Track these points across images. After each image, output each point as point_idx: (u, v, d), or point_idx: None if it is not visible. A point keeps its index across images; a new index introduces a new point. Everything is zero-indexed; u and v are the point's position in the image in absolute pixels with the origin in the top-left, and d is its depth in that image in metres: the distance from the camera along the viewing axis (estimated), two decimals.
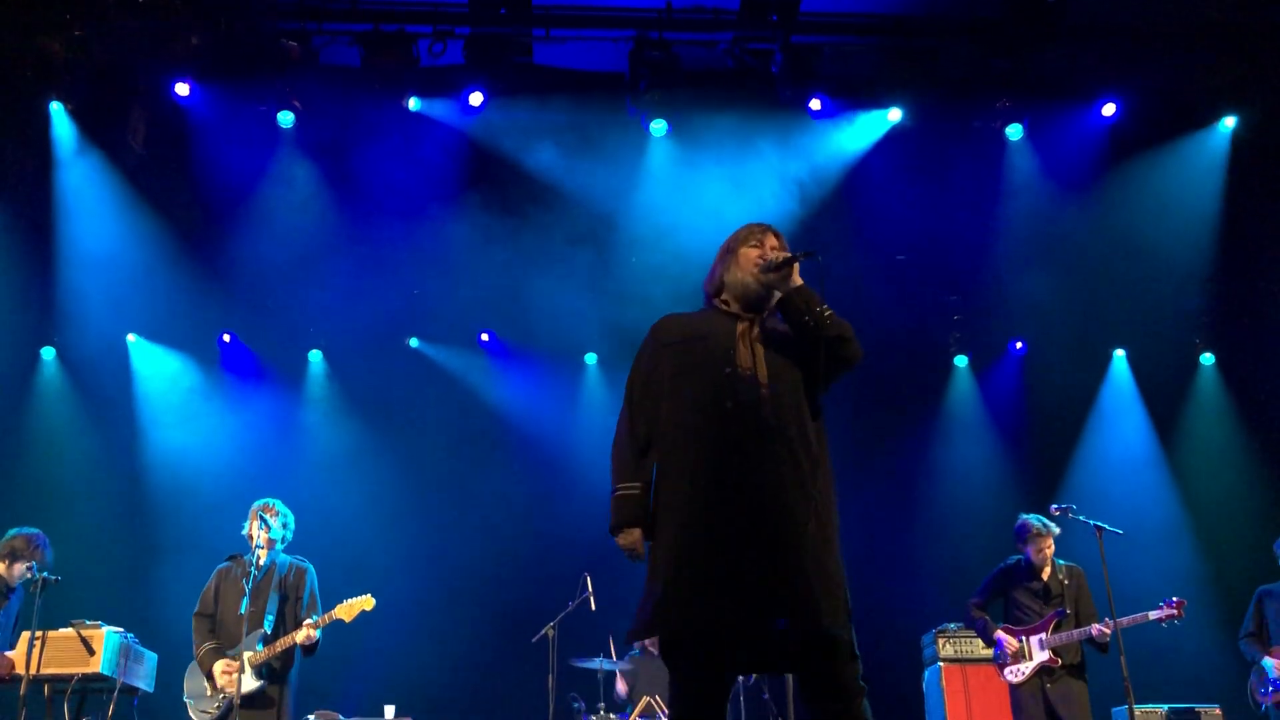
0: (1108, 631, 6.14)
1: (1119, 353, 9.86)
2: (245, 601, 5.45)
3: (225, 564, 5.89)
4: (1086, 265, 9.30)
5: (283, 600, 5.71)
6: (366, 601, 5.72)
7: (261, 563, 5.69)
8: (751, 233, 3.43)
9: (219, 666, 5.52)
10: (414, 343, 9.74)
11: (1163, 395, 9.74)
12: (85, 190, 8.66)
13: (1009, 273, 9.39)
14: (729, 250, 3.44)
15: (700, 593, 3.02)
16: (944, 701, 7.41)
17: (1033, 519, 6.47)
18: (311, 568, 5.91)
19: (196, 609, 5.77)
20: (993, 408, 9.90)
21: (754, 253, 3.37)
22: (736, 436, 3.14)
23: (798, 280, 3.29)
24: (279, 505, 5.85)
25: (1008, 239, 9.32)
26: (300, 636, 5.50)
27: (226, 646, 5.61)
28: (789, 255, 3.30)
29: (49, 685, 5.36)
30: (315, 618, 5.58)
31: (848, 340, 3.23)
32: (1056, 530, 6.43)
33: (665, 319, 3.50)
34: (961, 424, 9.89)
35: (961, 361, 10.04)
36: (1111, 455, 9.58)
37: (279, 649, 5.51)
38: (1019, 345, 9.92)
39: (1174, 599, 6.29)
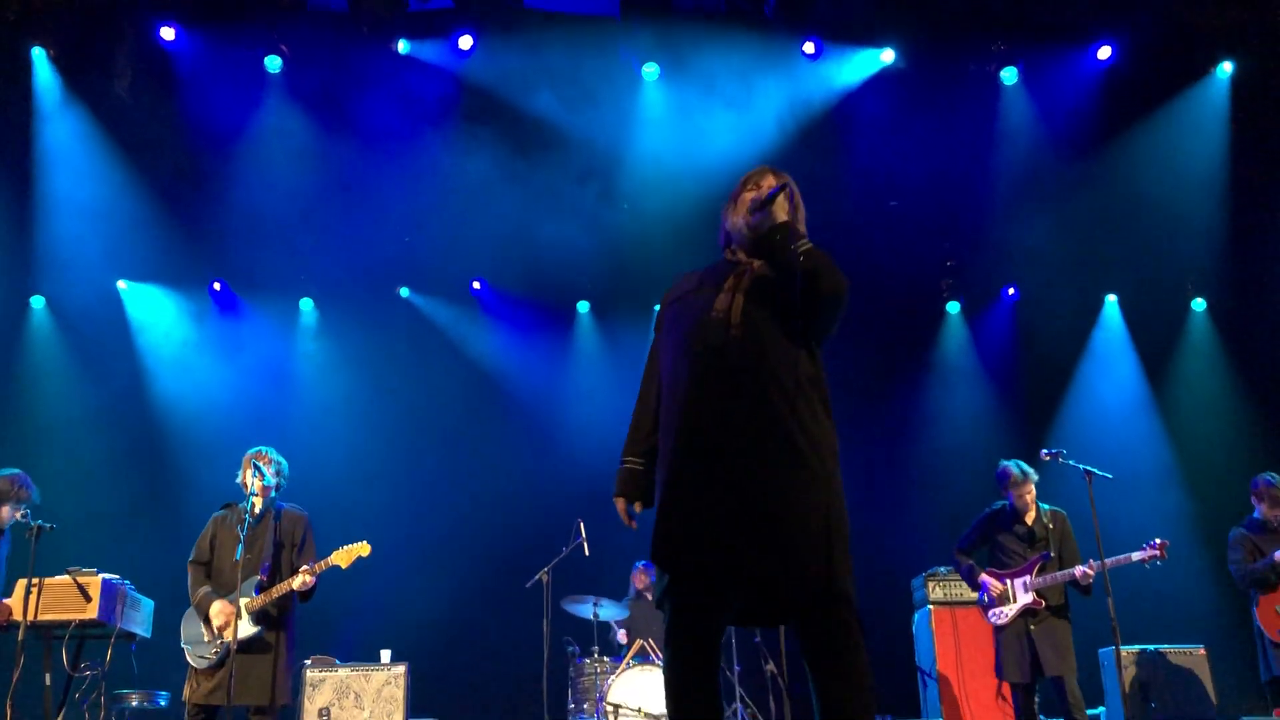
0: (1090, 573, 6.22)
1: (1111, 298, 9.88)
2: (240, 549, 5.46)
3: (221, 512, 5.88)
4: (1080, 211, 9.30)
5: (279, 547, 5.70)
6: (363, 548, 5.71)
7: (257, 510, 5.70)
8: (750, 177, 3.39)
9: (215, 608, 5.53)
10: (404, 292, 9.72)
11: (1154, 341, 9.78)
12: (70, 137, 8.57)
13: (1003, 218, 9.39)
14: (731, 199, 3.42)
15: (686, 546, 3.04)
16: (933, 643, 7.52)
17: (1012, 465, 6.53)
18: (307, 515, 5.91)
19: (192, 557, 5.76)
20: (984, 354, 9.95)
21: (750, 195, 3.34)
22: (704, 383, 3.12)
23: (780, 215, 3.24)
24: (272, 453, 5.83)
25: (1002, 184, 9.31)
26: (296, 583, 5.50)
27: (223, 594, 5.62)
28: (771, 189, 3.24)
29: (47, 631, 5.39)
30: (311, 564, 5.59)
31: (823, 275, 3.09)
32: (1035, 476, 6.49)
33: (679, 276, 3.50)
34: (953, 370, 9.94)
35: (954, 308, 10.06)
36: (1102, 400, 9.65)
37: (275, 595, 5.52)
38: (1011, 291, 9.94)
39: (1157, 540, 6.36)
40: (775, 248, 3.18)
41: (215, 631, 5.50)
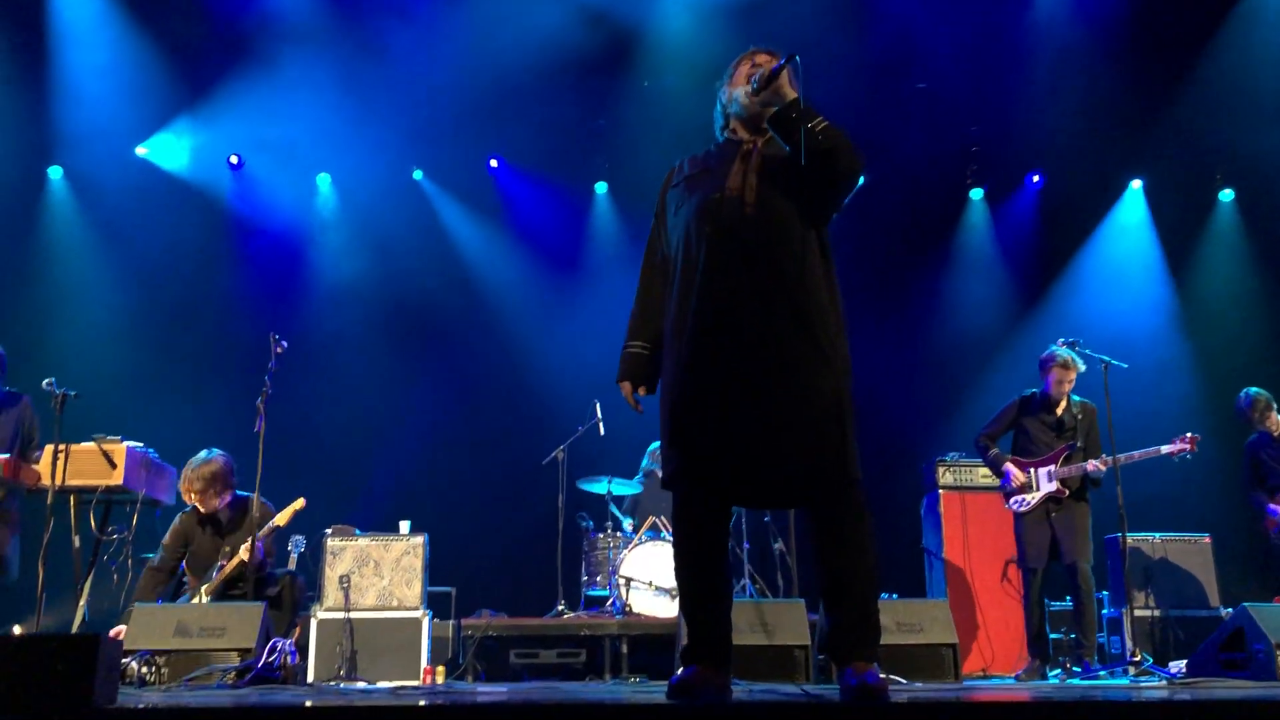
0: (1103, 468, 6.28)
1: (1135, 184, 9.70)
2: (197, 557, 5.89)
3: (182, 514, 6.10)
4: (1109, 96, 9.06)
5: (237, 534, 5.97)
6: (297, 503, 6.03)
7: (220, 517, 6.02)
8: (744, 56, 3.35)
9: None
10: (417, 175, 9.63)
11: (1179, 231, 9.64)
12: (85, 3, 8.42)
13: (1030, 103, 9.16)
14: (727, 78, 3.38)
15: (698, 428, 3.06)
16: (941, 526, 7.64)
17: (1062, 350, 6.48)
18: (268, 503, 6.08)
19: (153, 563, 6.00)
20: (1005, 241, 9.84)
21: (748, 71, 3.27)
22: (718, 264, 3.10)
23: (790, 92, 3.15)
24: (198, 473, 5.89)
25: (1031, 68, 9.05)
26: (244, 553, 5.75)
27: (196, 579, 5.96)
28: (775, 65, 3.15)
29: (74, 496, 5.53)
30: (257, 534, 5.80)
31: (840, 153, 3.06)
32: (1082, 366, 6.42)
33: (680, 161, 3.46)
34: (974, 257, 9.85)
35: (977, 194, 9.93)
36: (1123, 290, 9.55)
37: (227, 571, 5.80)
38: (1036, 178, 9.79)
39: (1187, 435, 6.37)
40: (790, 125, 3.10)
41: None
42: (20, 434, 5.83)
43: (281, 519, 5.97)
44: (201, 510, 5.98)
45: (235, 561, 5.81)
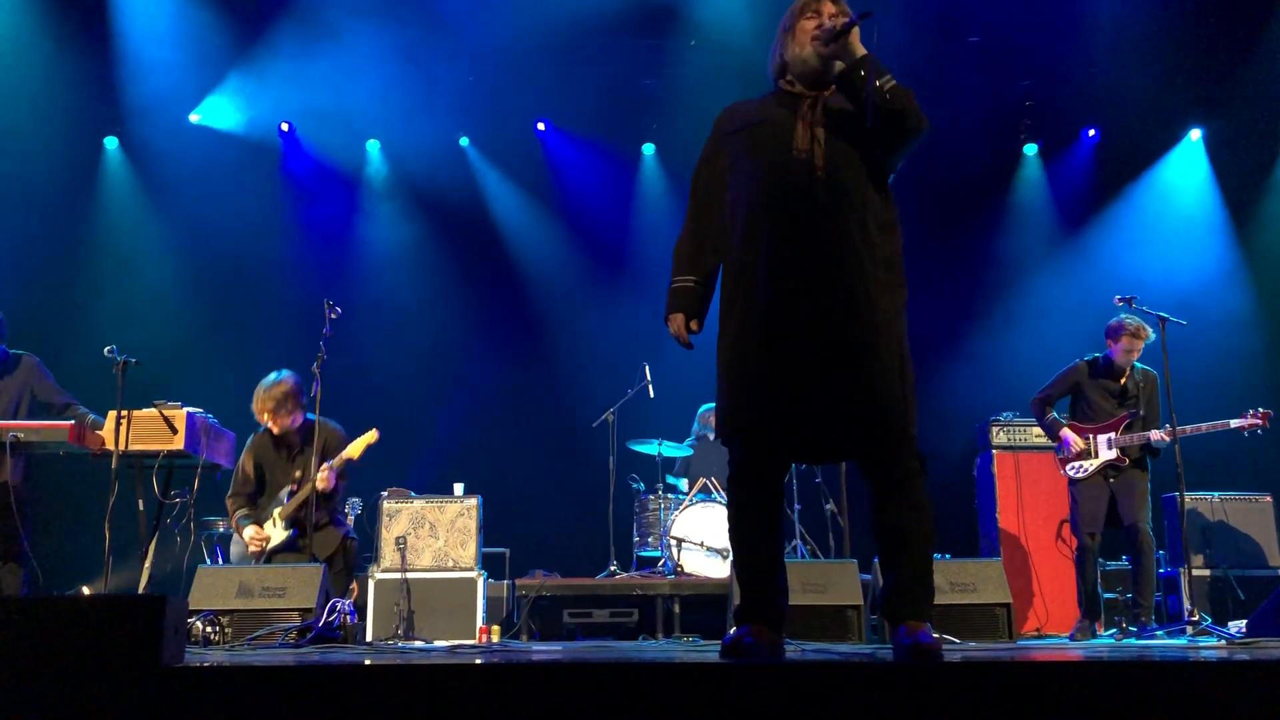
0: (1165, 439, 6.16)
1: (1195, 135, 9.44)
2: (272, 477, 5.98)
3: (256, 435, 6.20)
4: (1167, 47, 8.80)
5: (309, 457, 6.00)
6: (370, 436, 6.04)
7: (292, 440, 6.12)
8: (807, 3, 3.23)
9: (248, 534, 5.99)
10: (464, 142, 9.64)
11: (1240, 185, 9.39)
12: None
13: (1087, 56, 8.93)
14: (786, 28, 3.26)
15: (759, 387, 3.04)
16: (995, 487, 7.58)
17: (1133, 317, 6.34)
18: (339, 429, 6.16)
19: (229, 491, 6.16)
20: (1060, 197, 9.65)
21: (811, 24, 3.18)
22: (790, 223, 3.06)
23: (859, 49, 3.09)
24: (270, 392, 5.99)
25: (1088, 20, 8.82)
26: (319, 483, 5.83)
27: (261, 514, 6.09)
28: (847, 20, 3.09)
29: (137, 461, 5.65)
30: (329, 463, 5.87)
31: (910, 113, 3.03)
32: (1153, 335, 6.25)
33: (729, 108, 3.40)
34: (1028, 213, 9.68)
35: (1031, 150, 9.74)
36: (1182, 246, 9.33)
37: (300, 499, 5.89)
38: (1091, 133, 9.57)
39: (1260, 410, 6.24)
40: (857, 83, 3.05)
41: (256, 550, 5.96)
42: (25, 396, 5.94)
43: (354, 451, 6.00)
44: (275, 431, 6.08)
45: (308, 489, 5.86)
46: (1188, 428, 6.15)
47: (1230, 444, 7.43)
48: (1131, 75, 8.92)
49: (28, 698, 2.14)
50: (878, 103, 3.00)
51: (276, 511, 6.00)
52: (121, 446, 5.40)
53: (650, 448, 7.99)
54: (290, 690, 2.15)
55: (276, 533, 5.97)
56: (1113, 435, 6.32)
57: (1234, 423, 6.26)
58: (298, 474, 6.05)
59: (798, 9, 3.25)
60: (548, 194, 9.72)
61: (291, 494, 6.02)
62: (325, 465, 5.87)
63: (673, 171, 9.69)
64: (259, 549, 5.94)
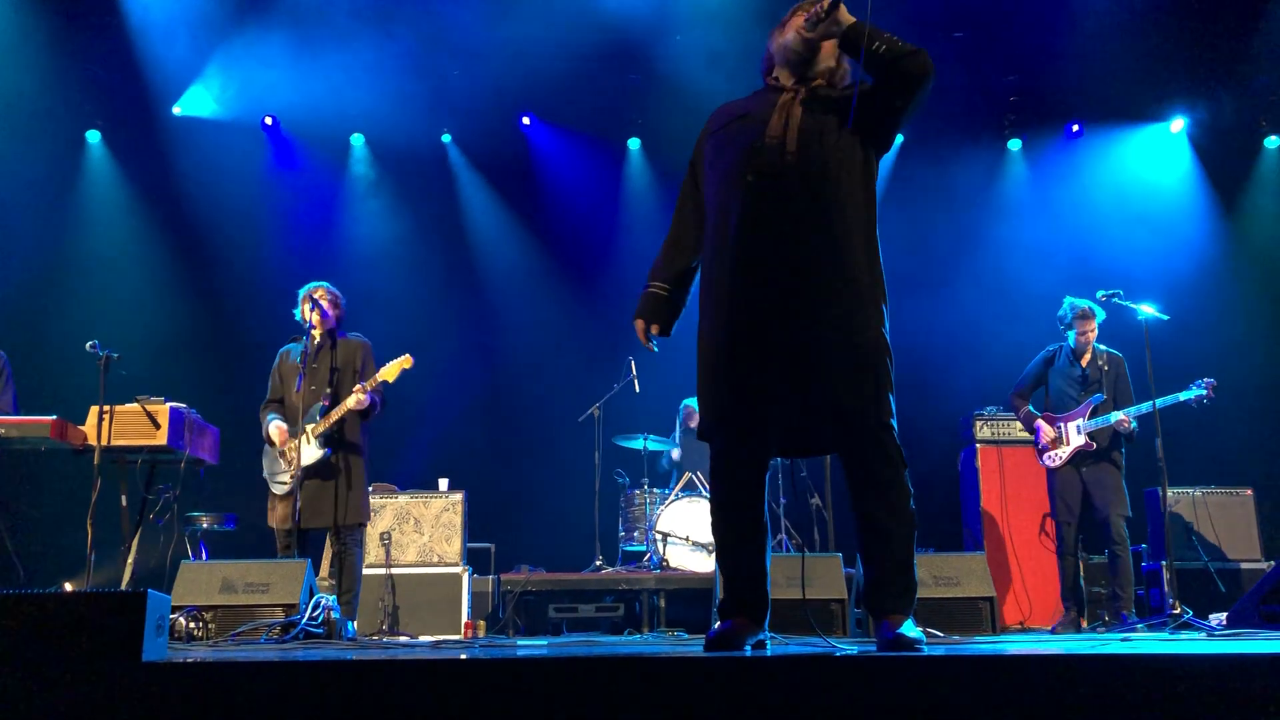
0: (1126, 421, 6.23)
1: (1176, 126, 9.48)
2: (300, 380, 5.62)
3: (286, 347, 6.02)
4: (1150, 41, 8.84)
5: (340, 373, 5.84)
6: (405, 360, 5.86)
7: (316, 342, 5.83)
8: (800, 5, 3.26)
9: (273, 428, 5.74)
10: (446, 138, 9.60)
11: (1222, 178, 9.44)
12: None
13: (1070, 51, 8.96)
14: (779, 26, 3.31)
15: (732, 380, 3.05)
16: (979, 480, 7.62)
17: (1079, 301, 6.47)
18: (368, 342, 6.03)
19: (267, 397, 5.94)
20: (1043, 192, 9.69)
21: (800, 19, 3.21)
22: (757, 210, 3.06)
23: (848, 18, 3.11)
24: (327, 286, 5.91)
25: (1072, 15, 8.85)
26: (351, 401, 5.66)
27: (291, 424, 5.80)
28: (831, 1, 3.10)
29: (120, 456, 5.63)
30: (363, 384, 5.74)
31: (906, 57, 3.04)
32: (1100, 314, 6.42)
33: (718, 109, 3.41)
34: (1012, 207, 9.71)
35: (1015, 145, 9.78)
36: (1166, 239, 9.37)
37: (334, 418, 5.69)
38: (1075, 128, 9.61)
39: (1205, 380, 6.31)
40: (861, 41, 3.05)
41: (286, 458, 5.69)
42: None
43: (389, 373, 5.83)
44: (318, 329, 5.83)
45: (342, 409, 5.69)
46: (1129, 412, 6.23)
47: (1211, 438, 7.48)
48: (1114, 69, 8.95)
49: (8, 693, 2.13)
50: (892, 51, 3.02)
51: (310, 428, 5.69)
52: (104, 442, 5.38)
53: (636, 443, 8.00)
54: (273, 686, 2.14)
55: (310, 450, 5.66)
56: (1080, 421, 6.41)
57: (1183, 395, 6.32)
58: (329, 390, 5.78)
59: (790, 11, 3.30)
60: (532, 188, 9.70)
61: (324, 410, 5.75)
62: (359, 386, 5.71)
63: (658, 166, 9.69)
64: (283, 440, 5.73)
